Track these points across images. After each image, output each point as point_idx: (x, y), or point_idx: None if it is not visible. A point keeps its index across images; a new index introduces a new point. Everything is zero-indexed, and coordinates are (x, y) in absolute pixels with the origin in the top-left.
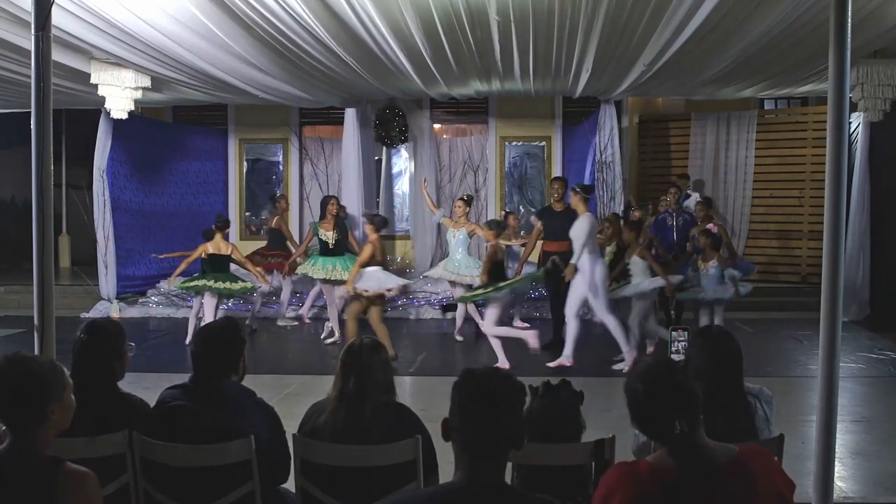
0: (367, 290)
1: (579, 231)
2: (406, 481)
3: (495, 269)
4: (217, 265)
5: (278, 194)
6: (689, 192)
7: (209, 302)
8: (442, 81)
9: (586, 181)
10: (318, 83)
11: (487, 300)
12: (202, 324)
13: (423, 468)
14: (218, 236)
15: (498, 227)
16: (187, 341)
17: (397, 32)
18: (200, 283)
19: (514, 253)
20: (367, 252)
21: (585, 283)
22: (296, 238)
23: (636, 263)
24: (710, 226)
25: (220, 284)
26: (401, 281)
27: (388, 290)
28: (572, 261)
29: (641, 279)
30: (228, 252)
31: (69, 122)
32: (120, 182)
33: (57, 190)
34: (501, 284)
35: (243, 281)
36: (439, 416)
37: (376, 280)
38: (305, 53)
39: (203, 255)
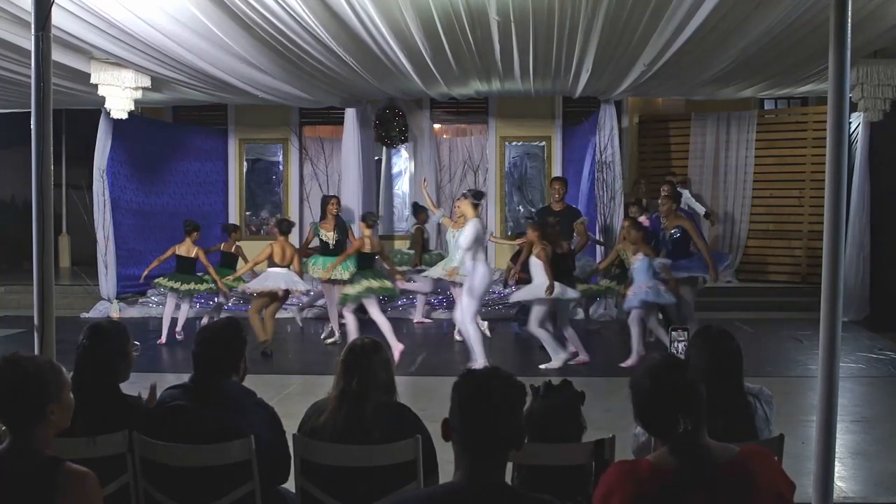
0: (253, 289)
1: (465, 237)
2: (406, 481)
3: (363, 262)
4: (181, 267)
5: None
6: (679, 189)
7: (169, 301)
8: (442, 81)
9: (586, 181)
10: (318, 83)
11: (360, 300)
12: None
13: (423, 468)
14: (187, 240)
15: (370, 218)
16: (160, 340)
17: (397, 32)
18: (160, 280)
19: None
20: (265, 252)
21: (477, 290)
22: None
23: (534, 264)
24: (641, 218)
25: (169, 283)
26: (301, 286)
27: (282, 291)
28: (455, 265)
29: (540, 281)
30: (192, 255)
31: (69, 122)
32: (120, 182)
33: (57, 190)
34: (374, 287)
35: (191, 283)
36: (439, 416)
37: (280, 280)
38: (305, 53)
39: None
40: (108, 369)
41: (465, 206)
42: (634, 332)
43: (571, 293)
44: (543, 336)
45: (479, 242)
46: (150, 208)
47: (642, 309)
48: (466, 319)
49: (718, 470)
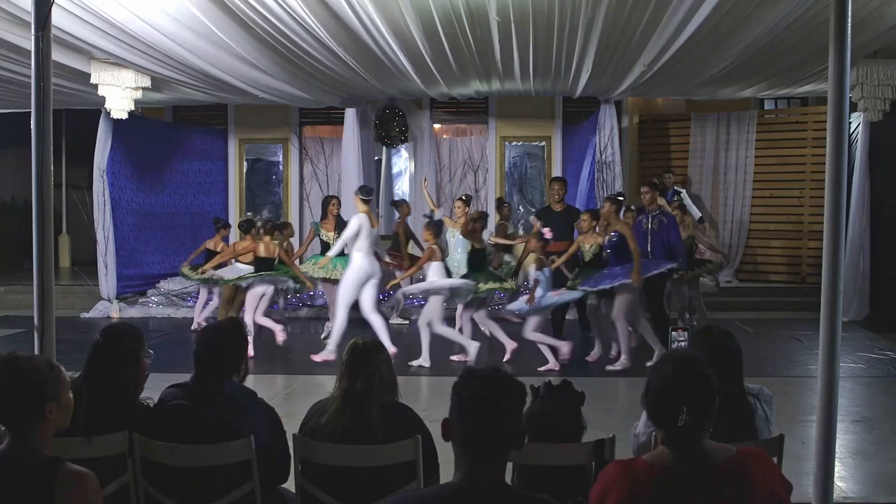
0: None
1: (346, 229)
2: (406, 481)
3: (260, 265)
4: (208, 260)
5: (399, 198)
6: (676, 188)
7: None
8: (442, 81)
9: (585, 181)
10: (318, 83)
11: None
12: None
13: (423, 468)
14: (217, 236)
15: (263, 223)
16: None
17: (397, 32)
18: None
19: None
20: (227, 250)
21: (349, 278)
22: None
23: (435, 268)
24: (544, 230)
25: (190, 272)
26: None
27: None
28: (329, 253)
29: (433, 278)
30: (219, 249)
31: (69, 122)
32: (120, 182)
33: (57, 190)
34: (247, 275)
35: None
36: (439, 416)
37: (235, 273)
38: (305, 53)
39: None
40: (118, 370)
41: (356, 201)
42: (540, 337)
43: (464, 287)
44: (449, 332)
45: (364, 236)
46: (151, 208)
47: (537, 317)
48: (339, 306)
49: (716, 470)
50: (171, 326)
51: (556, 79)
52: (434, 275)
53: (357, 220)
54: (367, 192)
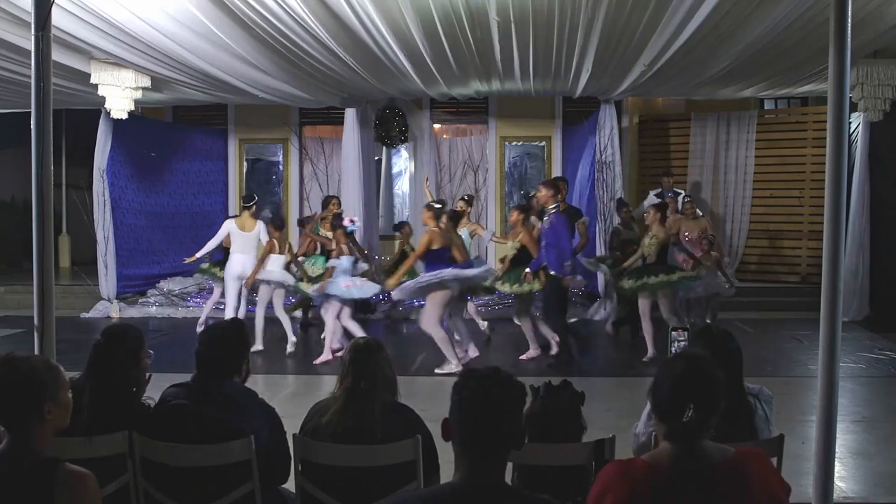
0: None
1: (218, 233)
2: (406, 481)
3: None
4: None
5: (400, 221)
6: (676, 189)
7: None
8: (442, 81)
9: (585, 181)
10: (318, 83)
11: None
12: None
13: (424, 469)
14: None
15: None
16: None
17: (397, 32)
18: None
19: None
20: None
21: (225, 275)
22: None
23: (274, 260)
24: (346, 221)
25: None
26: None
27: None
28: (197, 254)
29: (272, 267)
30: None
31: (69, 122)
32: (120, 182)
33: (57, 190)
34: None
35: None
36: (439, 416)
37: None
38: (305, 53)
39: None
40: (120, 370)
41: (241, 208)
42: (329, 323)
43: (289, 280)
44: (260, 319)
45: (235, 239)
46: (151, 208)
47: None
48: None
49: (714, 470)
50: (171, 326)
51: (556, 79)
52: (272, 266)
53: (226, 225)
54: (247, 200)
